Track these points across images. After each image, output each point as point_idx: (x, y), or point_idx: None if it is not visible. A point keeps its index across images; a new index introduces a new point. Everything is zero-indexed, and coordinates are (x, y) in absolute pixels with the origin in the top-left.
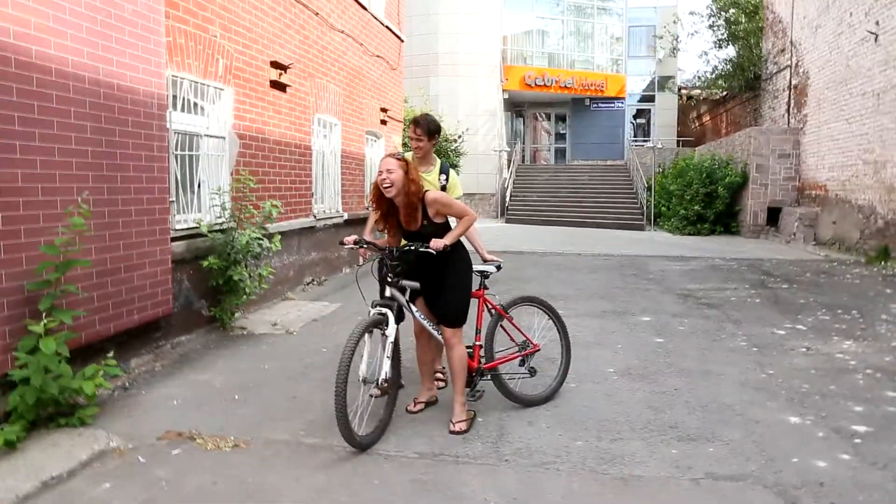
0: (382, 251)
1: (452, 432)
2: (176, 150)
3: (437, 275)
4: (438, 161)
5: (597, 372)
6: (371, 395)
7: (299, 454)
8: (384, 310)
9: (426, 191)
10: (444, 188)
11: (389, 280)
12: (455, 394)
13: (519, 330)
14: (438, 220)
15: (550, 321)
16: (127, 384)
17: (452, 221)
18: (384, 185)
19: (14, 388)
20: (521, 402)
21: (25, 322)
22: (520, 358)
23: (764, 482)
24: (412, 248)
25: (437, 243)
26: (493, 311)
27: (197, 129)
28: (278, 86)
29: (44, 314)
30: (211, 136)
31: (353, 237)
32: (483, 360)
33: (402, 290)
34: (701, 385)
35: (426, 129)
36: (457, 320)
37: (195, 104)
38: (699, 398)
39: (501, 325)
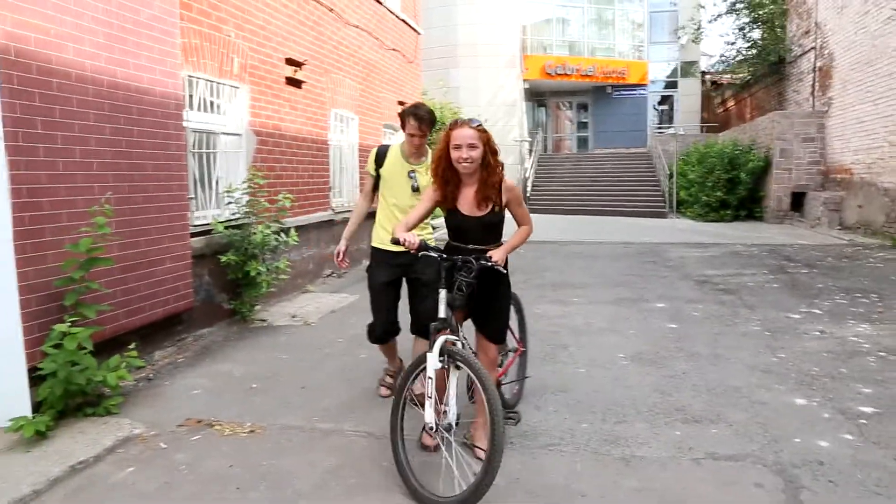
0: (455, 263)
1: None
2: (193, 148)
3: (489, 287)
4: (429, 151)
5: (607, 357)
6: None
7: (313, 438)
8: (455, 338)
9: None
10: None
11: (451, 300)
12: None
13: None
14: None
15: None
16: (151, 375)
17: None
18: (464, 163)
19: (44, 380)
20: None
21: (52, 318)
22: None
23: (764, 461)
24: (488, 264)
25: (498, 257)
26: None
27: (213, 127)
28: (294, 82)
29: (69, 309)
30: (228, 134)
31: (417, 240)
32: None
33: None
34: (710, 369)
35: (429, 123)
36: (504, 337)
37: (212, 103)
38: (707, 381)
39: None
